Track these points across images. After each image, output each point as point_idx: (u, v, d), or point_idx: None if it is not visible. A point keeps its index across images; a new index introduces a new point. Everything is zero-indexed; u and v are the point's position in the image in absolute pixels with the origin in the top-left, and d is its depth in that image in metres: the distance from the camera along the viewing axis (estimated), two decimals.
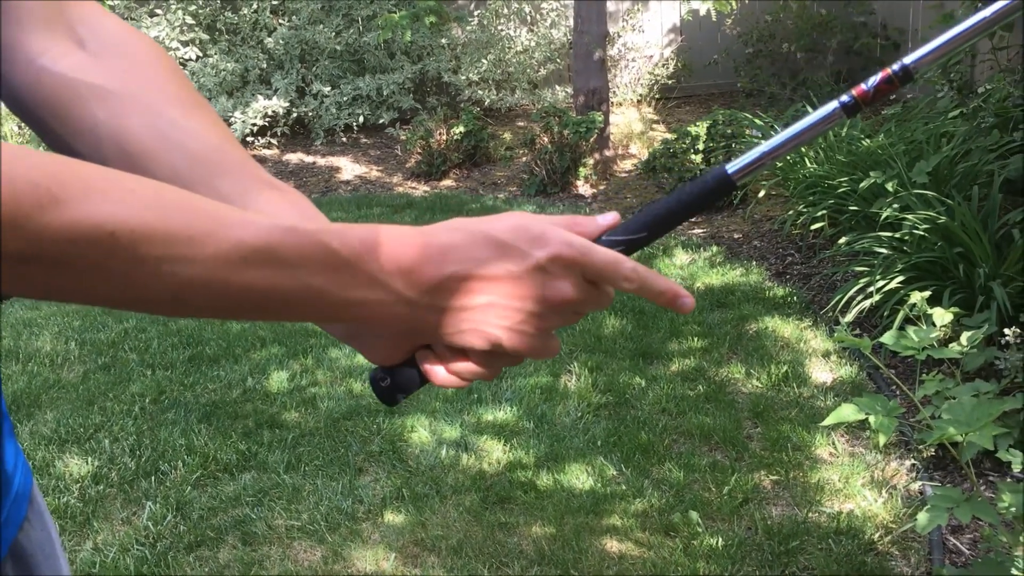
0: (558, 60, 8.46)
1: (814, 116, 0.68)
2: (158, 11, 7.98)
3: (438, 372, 0.69)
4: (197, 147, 0.70)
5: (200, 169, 0.69)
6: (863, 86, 0.67)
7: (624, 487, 2.85)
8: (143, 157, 0.68)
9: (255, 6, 7.99)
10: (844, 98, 0.68)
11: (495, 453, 3.09)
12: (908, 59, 0.66)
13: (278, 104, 7.73)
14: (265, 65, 8.10)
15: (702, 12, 7.08)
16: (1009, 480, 2.54)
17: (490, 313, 0.63)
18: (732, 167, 0.67)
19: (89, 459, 3.17)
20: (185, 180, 0.68)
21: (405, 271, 0.60)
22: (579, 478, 2.91)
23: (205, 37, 8.00)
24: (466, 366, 0.68)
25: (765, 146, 0.67)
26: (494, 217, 0.64)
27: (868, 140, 4.77)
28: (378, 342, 0.69)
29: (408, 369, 0.70)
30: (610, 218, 0.69)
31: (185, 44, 7.92)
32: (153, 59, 0.73)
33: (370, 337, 0.69)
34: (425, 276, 0.61)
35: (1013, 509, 1.81)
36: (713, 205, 0.72)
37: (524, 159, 6.91)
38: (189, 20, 7.85)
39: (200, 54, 7.99)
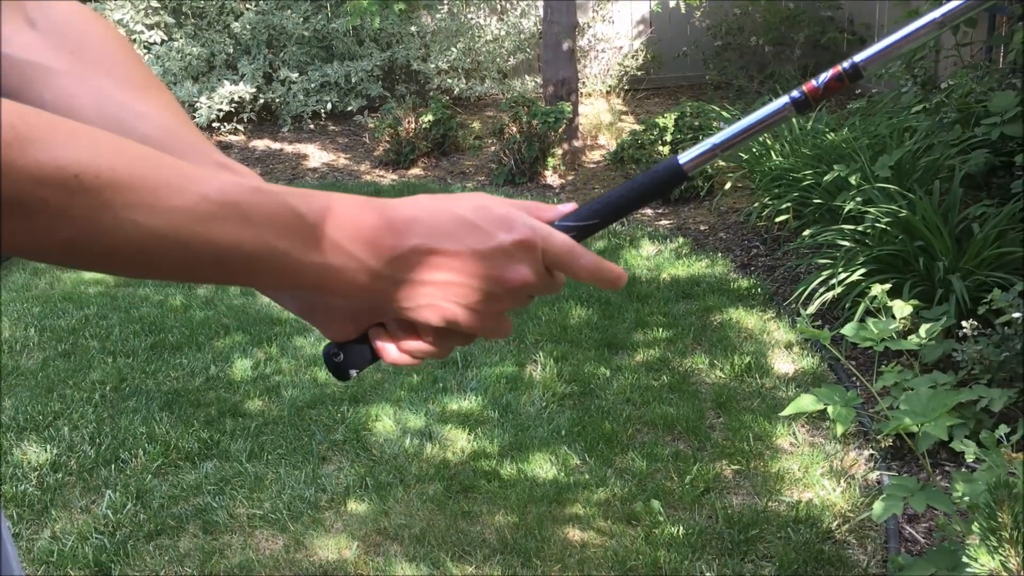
0: (528, 50, 8.44)
1: (764, 111, 0.69)
2: None
3: (389, 350, 0.69)
4: (149, 129, 0.69)
5: (156, 147, 0.68)
6: (813, 83, 0.69)
7: (587, 476, 2.86)
8: None
9: None
10: (795, 94, 0.69)
11: (459, 442, 3.09)
12: (858, 57, 0.68)
13: (245, 90, 7.65)
14: (232, 50, 8.01)
15: (671, 4, 7.11)
16: (963, 470, 2.59)
17: (448, 290, 0.63)
18: (683, 158, 0.68)
19: (48, 447, 3.13)
20: None
21: (368, 240, 0.60)
22: (543, 467, 2.92)
23: (171, 21, 7.89)
24: (417, 345, 0.69)
25: (716, 138, 0.69)
26: (458, 196, 0.64)
27: (832, 134, 4.82)
28: (333, 317, 0.70)
29: (361, 345, 0.72)
30: (569, 209, 0.69)
31: (150, 27, 7.81)
32: (106, 39, 0.73)
33: (326, 312, 0.70)
34: (388, 246, 0.61)
35: (966, 498, 1.84)
36: (664, 195, 0.72)
37: (493, 148, 6.90)
38: (154, 3, 7.73)
39: (165, 38, 7.88)
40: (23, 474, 2.98)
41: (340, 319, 0.70)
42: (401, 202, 0.63)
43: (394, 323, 0.69)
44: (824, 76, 0.68)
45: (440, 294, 0.63)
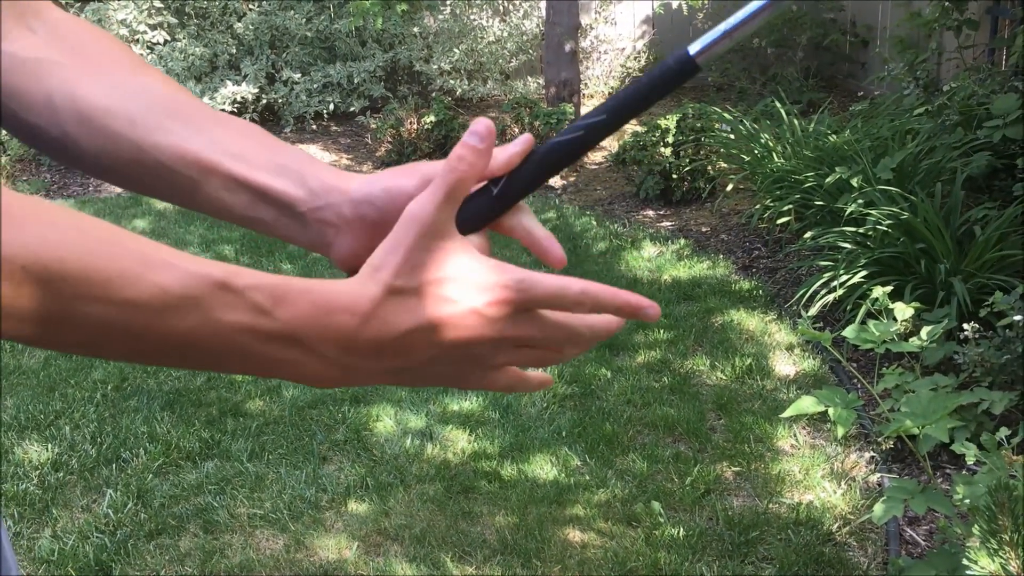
0: (530, 51, 8.45)
1: None
2: None
3: None
4: (151, 95, 0.71)
5: (156, 112, 0.69)
6: None
7: (588, 477, 2.87)
8: (99, 114, 0.69)
9: None
10: None
11: (460, 443, 3.10)
12: None
13: (247, 90, 7.66)
14: (234, 50, 8.02)
15: (674, 6, 7.11)
16: (964, 472, 2.59)
17: (436, 366, 0.61)
18: (694, 48, 0.63)
19: (49, 446, 3.13)
20: (141, 126, 0.68)
21: (337, 339, 0.57)
22: (543, 468, 2.92)
23: (174, 21, 7.89)
24: None
25: (725, 25, 0.63)
26: (430, 264, 0.59)
27: (834, 136, 4.81)
28: (345, 245, 0.68)
29: None
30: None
31: (153, 28, 7.81)
32: (101, 38, 0.76)
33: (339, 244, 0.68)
34: (362, 343, 0.58)
35: (967, 501, 1.84)
36: (675, 88, 0.64)
37: None
38: (157, 3, 7.74)
39: (168, 38, 7.89)
40: (24, 473, 2.98)
41: (355, 249, 0.68)
42: (375, 281, 0.58)
43: None
44: None
45: (432, 375, 0.61)
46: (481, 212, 0.63)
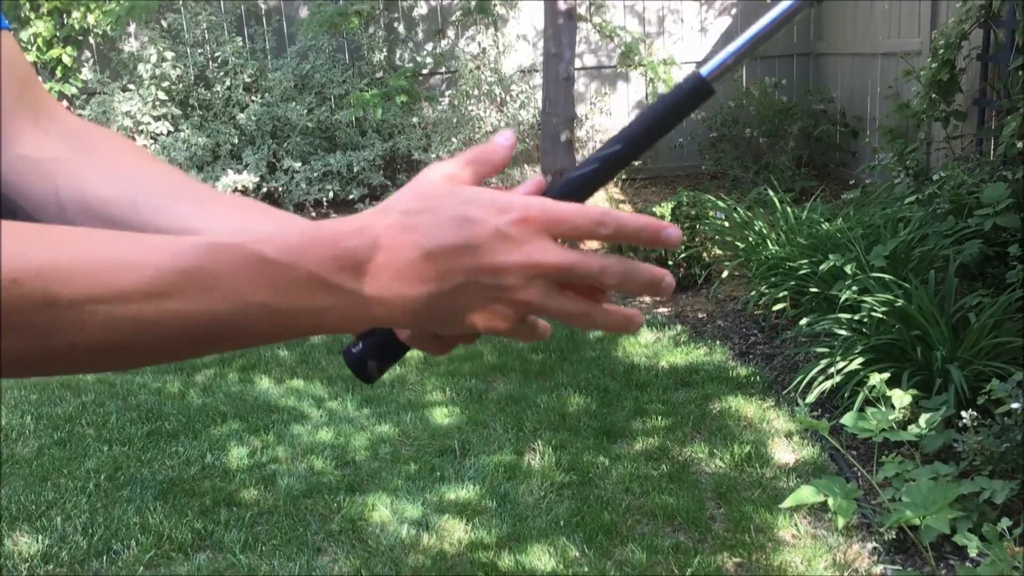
0: (527, 140, 8.60)
1: (780, 8, 0.62)
2: (131, 86, 8.05)
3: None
4: (151, 182, 0.73)
5: (157, 197, 0.71)
6: None
7: (586, 568, 2.82)
8: (101, 203, 0.71)
9: (228, 83, 8.08)
10: None
11: (456, 533, 3.05)
12: None
13: (248, 179, 7.77)
14: (236, 140, 8.16)
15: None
16: (968, 564, 2.55)
17: (467, 298, 0.57)
18: (706, 70, 0.62)
19: (40, 537, 3.08)
20: (145, 210, 0.70)
21: (354, 266, 0.54)
22: (541, 559, 2.88)
23: (177, 112, 8.06)
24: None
25: (735, 46, 0.63)
26: (440, 193, 0.58)
27: (827, 224, 4.87)
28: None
29: (381, 332, 0.65)
30: (506, 136, 0.64)
31: (157, 119, 7.97)
32: (107, 132, 0.79)
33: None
34: (381, 268, 0.55)
35: None
36: (690, 113, 0.62)
37: None
38: (162, 95, 7.91)
39: (172, 128, 8.04)
40: (13, 565, 2.93)
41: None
42: (393, 219, 0.56)
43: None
44: None
45: (457, 303, 0.57)
46: None
